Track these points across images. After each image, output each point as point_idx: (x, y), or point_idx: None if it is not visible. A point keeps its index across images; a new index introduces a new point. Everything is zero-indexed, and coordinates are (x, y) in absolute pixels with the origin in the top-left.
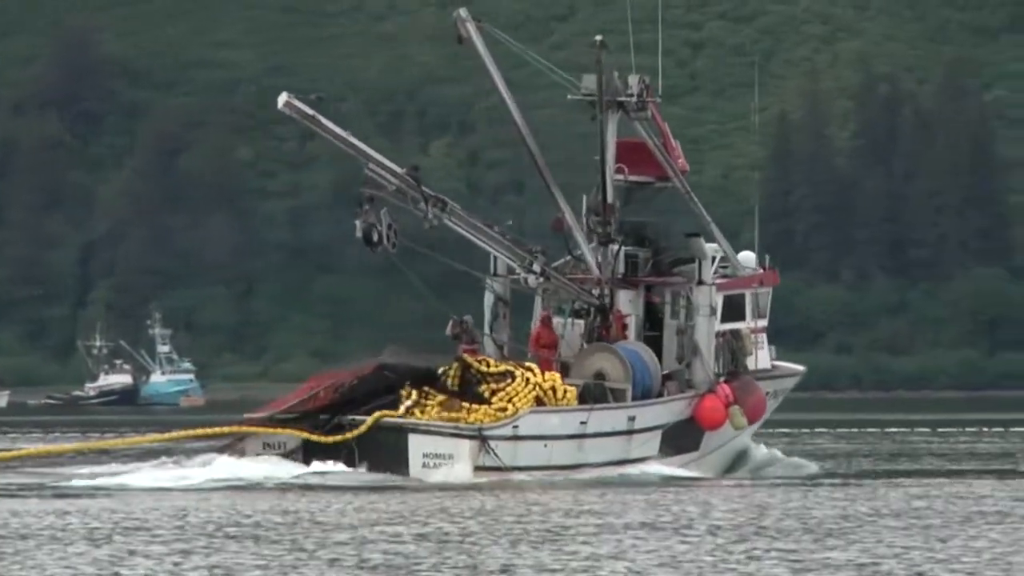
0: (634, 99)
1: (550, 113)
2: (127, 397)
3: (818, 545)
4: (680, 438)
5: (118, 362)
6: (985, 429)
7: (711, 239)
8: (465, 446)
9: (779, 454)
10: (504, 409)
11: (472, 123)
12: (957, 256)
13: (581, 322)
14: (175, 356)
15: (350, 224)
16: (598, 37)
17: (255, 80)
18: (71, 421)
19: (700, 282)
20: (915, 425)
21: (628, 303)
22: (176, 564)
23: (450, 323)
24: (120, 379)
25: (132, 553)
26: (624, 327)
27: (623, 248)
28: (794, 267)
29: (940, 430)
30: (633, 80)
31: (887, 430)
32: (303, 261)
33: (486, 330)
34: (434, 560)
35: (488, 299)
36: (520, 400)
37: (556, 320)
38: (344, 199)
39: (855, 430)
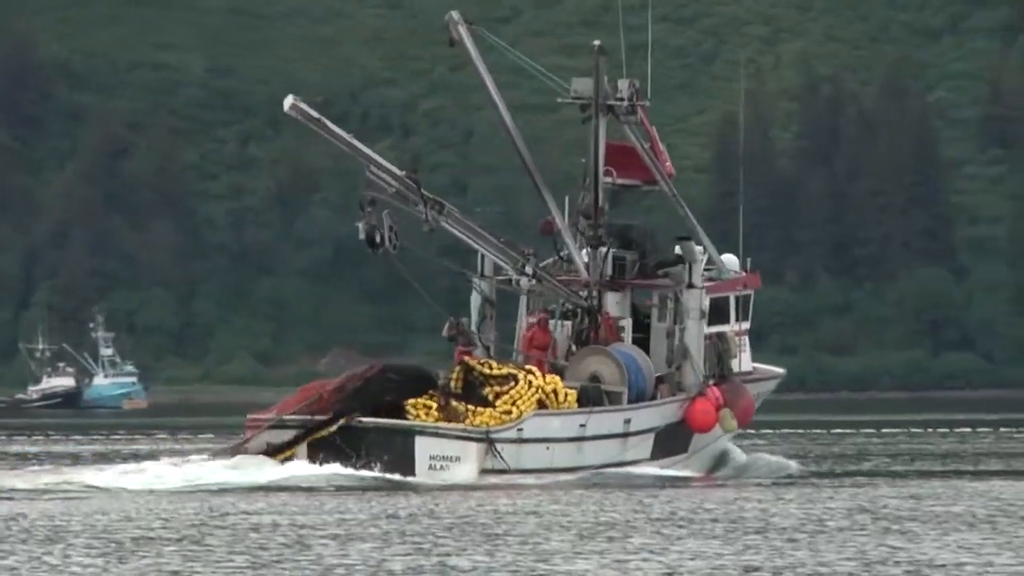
0: (625, 103)
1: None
2: (70, 400)
3: (745, 545)
4: (670, 440)
5: (61, 365)
6: (930, 430)
7: (697, 242)
8: (473, 448)
9: (765, 456)
10: (509, 412)
11: (414, 125)
12: (901, 256)
13: (568, 324)
14: (118, 359)
15: (291, 227)
16: (596, 42)
17: (197, 83)
18: (14, 424)
19: (691, 285)
20: (860, 426)
21: (615, 305)
22: (103, 567)
23: (447, 324)
24: (63, 382)
25: (67, 557)
26: (611, 329)
27: (611, 251)
28: None
29: (884, 431)
30: (623, 84)
31: (833, 431)
32: (245, 264)
33: (472, 330)
34: (347, 562)
35: (475, 300)
36: (524, 403)
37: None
38: (287, 202)
39: (800, 431)
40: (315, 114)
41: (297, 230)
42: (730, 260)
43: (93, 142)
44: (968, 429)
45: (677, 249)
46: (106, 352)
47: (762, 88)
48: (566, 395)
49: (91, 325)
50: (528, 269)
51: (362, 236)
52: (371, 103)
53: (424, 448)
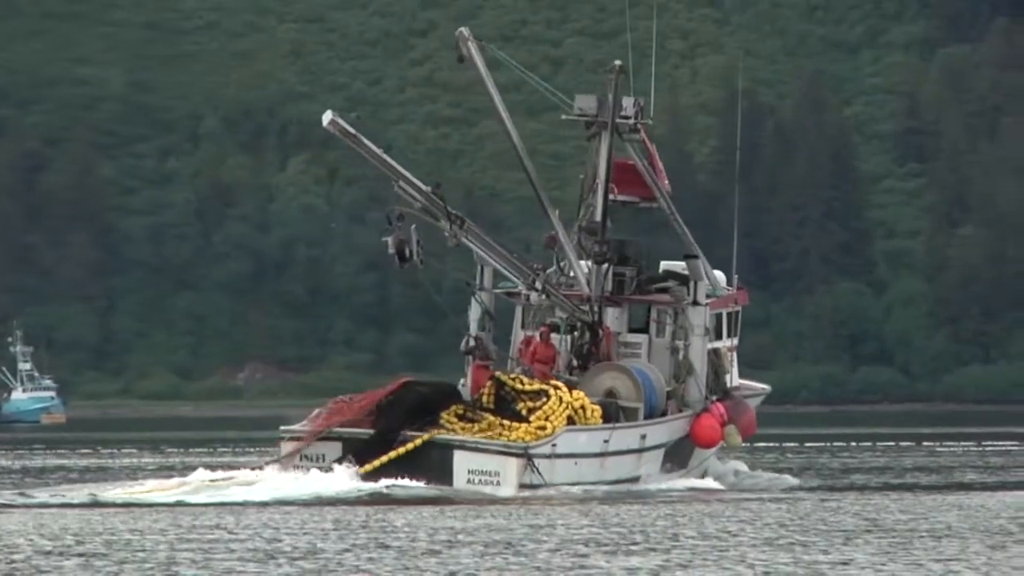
0: (631, 121)
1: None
2: None
3: (651, 558)
4: (676, 456)
5: None
6: (853, 444)
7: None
8: (513, 464)
9: (745, 468)
10: (543, 427)
11: (332, 140)
12: (819, 271)
13: (568, 338)
14: (36, 373)
15: (209, 241)
16: (617, 62)
17: (116, 97)
18: None
19: (695, 302)
20: (782, 440)
21: (615, 320)
22: None
23: (464, 339)
24: None
25: None
26: (611, 344)
27: (611, 267)
28: None
29: (807, 444)
30: (628, 102)
31: (756, 445)
32: (163, 278)
33: (472, 343)
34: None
35: (474, 312)
36: (556, 418)
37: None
38: (205, 216)
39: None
40: (352, 130)
41: (216, 244)
42: (718, 276)
43: (11, 157)
44: (891, 443)
45: (663, 265)
46: (24, 367)
47: (680, 102)
48: (592, 411)
49: (9, 340)
50: (538, 284)
51: (392, 250)
52: (289, 118)
53: (463, 462)
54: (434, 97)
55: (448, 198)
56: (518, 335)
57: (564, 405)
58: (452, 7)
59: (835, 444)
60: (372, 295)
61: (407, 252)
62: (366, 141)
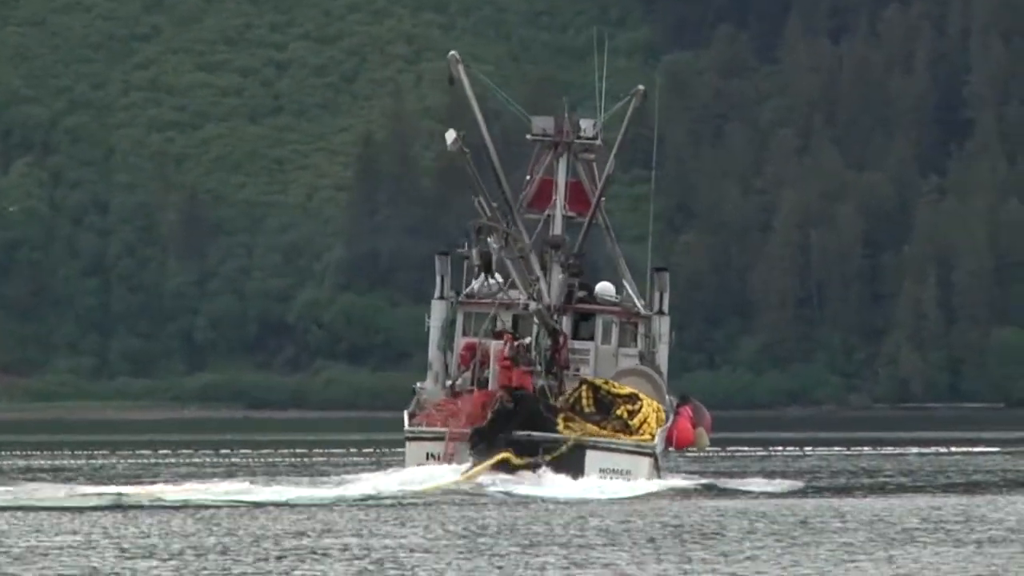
0: (594, 141)
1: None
2: None
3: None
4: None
5: None
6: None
7: (620, 271)
8: (645, 463)
9: None
10: (650, 429)
11: (55, 143)
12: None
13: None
14: None
15: None
16: (640, 87)
17: None
18: None
19: (661, 312)
20: None
21: (566, 328)
22: None
23: (508, 346)
24: None
25: None
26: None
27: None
28: (380, 287)
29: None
30: (587, 124)
31: None
32: None
33: (435, 349)
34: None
35: (436, 320)
36: (652, 420)
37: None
38: None
39: None
40: (466, 150)
41: None
42: (607, 288)
43: None
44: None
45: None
46: None
47: (404, 107)
48: (663, 413)
49: None
50: (535, 294)
51: (478, 262)
52: (13, 121)
53: (594, 461)
54: (158, 101)
55: (172, 202)
56: (459, 341)
57: (653, 408)
58: (175, 11)
59: None
60: (94, 299)
61: (491, 263)
62: (468, 160)
